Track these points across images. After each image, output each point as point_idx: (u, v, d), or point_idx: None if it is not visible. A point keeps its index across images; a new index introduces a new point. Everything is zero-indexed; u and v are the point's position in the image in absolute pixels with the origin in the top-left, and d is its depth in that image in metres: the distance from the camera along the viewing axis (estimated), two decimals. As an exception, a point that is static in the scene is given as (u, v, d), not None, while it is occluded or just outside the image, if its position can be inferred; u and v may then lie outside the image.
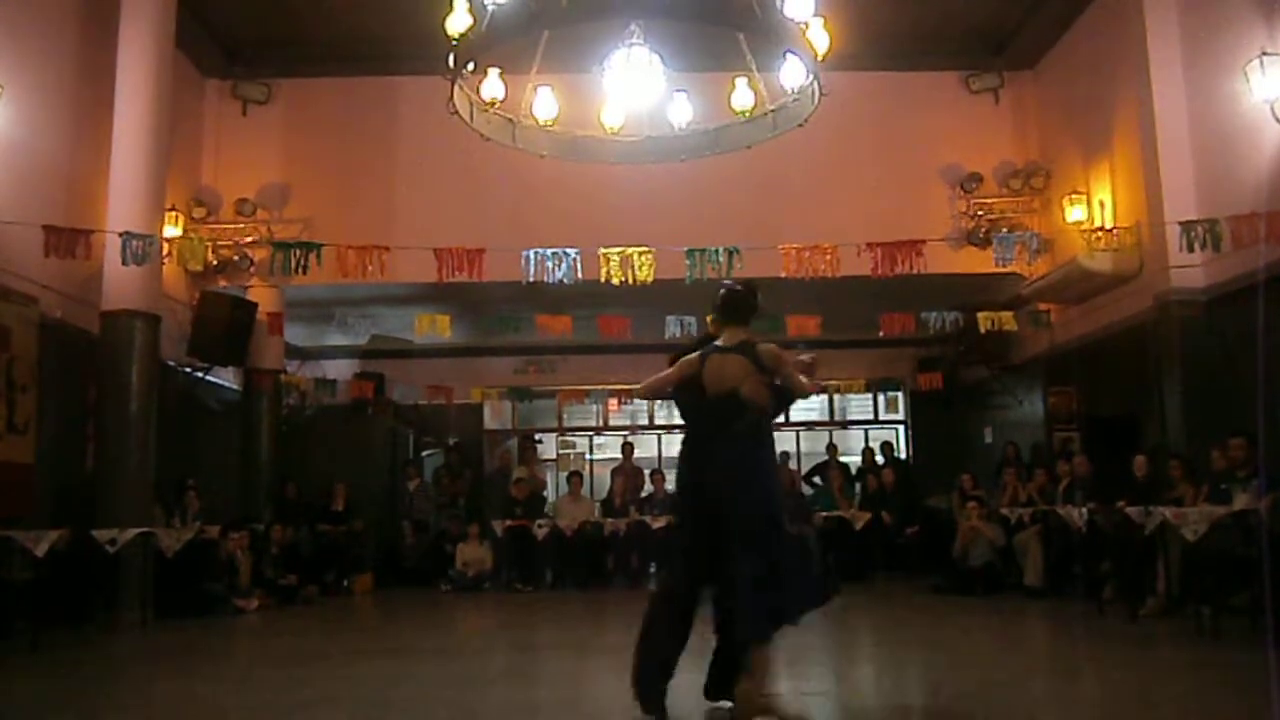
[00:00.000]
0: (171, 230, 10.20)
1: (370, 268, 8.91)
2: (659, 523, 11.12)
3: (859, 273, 9.30)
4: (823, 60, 5.43)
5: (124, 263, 8.27)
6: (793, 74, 5.58)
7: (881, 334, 10.87)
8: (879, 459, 13.35)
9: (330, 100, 12.07)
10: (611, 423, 16.05)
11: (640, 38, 5.74)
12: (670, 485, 12.50)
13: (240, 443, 11.84)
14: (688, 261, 9.12)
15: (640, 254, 8.98)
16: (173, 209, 10.48)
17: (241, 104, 11.91)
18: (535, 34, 5.48)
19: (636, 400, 13.75)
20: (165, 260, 9.10)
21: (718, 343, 4.60)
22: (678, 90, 6.35)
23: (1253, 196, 8.10)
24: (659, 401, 14.55)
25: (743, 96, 6.13)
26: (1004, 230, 10.69)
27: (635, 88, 5.83)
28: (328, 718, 5.00)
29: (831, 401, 15.73)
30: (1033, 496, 10.31)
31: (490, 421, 15.71)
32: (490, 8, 5.01)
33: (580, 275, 8.81)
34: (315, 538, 11.61)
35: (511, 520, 11.72)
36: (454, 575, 11.59)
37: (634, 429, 15.73)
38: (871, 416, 15.83)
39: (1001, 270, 10.43)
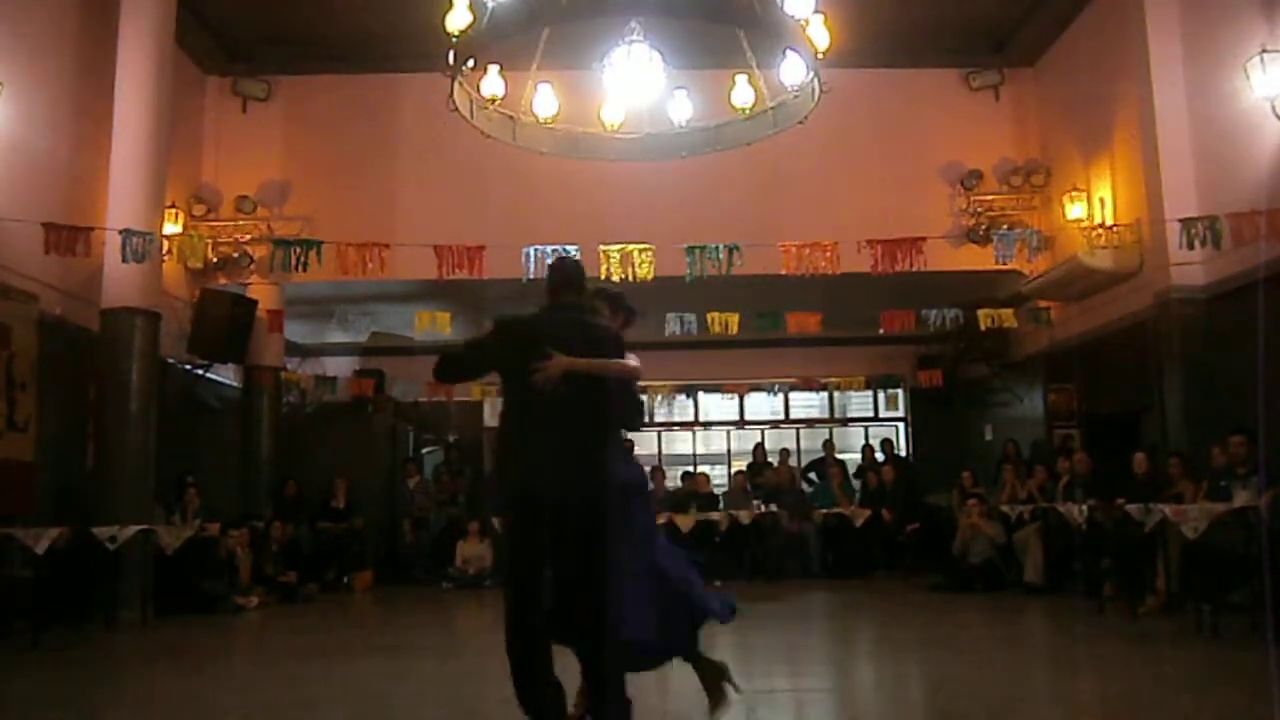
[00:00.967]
0: (171, 227, 10.18)
1: (370, 265, 8.92)
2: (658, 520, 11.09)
3: (859, 270, 9.31)
4: (823, 57, 5.42)
5: (124, 260, 8.28)
6: (793, 71, 5.57)
7: (881, 331, 10.89)
8: (879, 456, 13.34)
9: (330, 97, 12.04)
10: (611, 420, 16.01)
11: (640, 35, 5.74)
12: (670, 483, 12.56)
13: (240, 440, 11.82)
14: (688, 259, 9.12)
15: (640, 251, 8.99)
16: (173, 206, 10.46)
17: (242, 101, 11.88)
18: (535, 31, 5.48)
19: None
20: (165, 257, 9.10)
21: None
22: (678, 87, 6.36)
23: (1253, 193, 8.09)
24: (658, 397, 14.74)
25: (743, 94, 6.13)
26: (1004, 227, 10.68)
27: (635, 85, 5.84)
28: (328, 716, 5.01)
29: (831, 399, 15.71)
30: (1033, 494, 10.30)
31: (490, 419, 15.68)
32: (490, 5, 5.01)
33: (580, 273, 8.80)
34: (315, 535, 11.63)
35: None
36: (454, 573, 11.60)
37: (633, 426, 15.68)
38: (872, 414, 15.79)
39: (1002, 267, 10.42)
